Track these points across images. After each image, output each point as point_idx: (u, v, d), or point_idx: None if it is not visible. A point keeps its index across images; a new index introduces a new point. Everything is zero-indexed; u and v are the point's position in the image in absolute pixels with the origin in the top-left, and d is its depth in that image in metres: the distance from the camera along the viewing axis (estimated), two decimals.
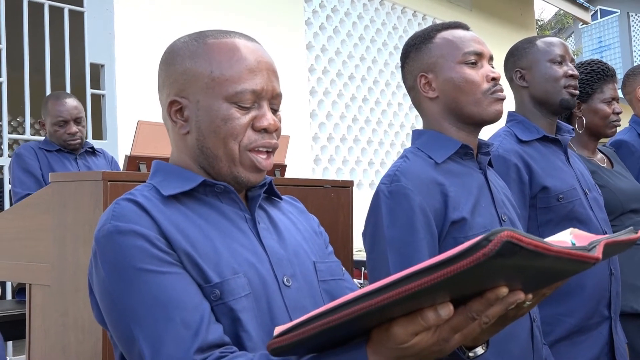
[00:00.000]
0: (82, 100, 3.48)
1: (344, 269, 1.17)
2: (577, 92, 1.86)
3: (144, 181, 1.09)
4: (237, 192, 1.05)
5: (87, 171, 3.10)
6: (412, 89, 1.49)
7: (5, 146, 3.85)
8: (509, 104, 1.58)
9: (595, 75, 2.19)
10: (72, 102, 3.11)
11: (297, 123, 4.91)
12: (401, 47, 1.80)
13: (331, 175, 5.29)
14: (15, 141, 7.97)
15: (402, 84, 4.50)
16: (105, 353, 1.69)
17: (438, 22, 3.06)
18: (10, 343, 3.49)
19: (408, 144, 5.64)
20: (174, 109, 1.05)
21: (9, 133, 4.52)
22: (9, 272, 2.13)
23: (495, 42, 5.43)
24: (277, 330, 0.78)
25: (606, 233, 1.78)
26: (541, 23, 16.81)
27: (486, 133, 1.57)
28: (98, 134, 3.99)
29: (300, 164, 4.75)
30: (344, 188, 2.44)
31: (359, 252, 2.84)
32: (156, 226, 0.95)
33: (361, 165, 5.63)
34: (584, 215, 1.74)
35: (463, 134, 1.43)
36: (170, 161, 1.10)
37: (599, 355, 1.71)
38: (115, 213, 0.96)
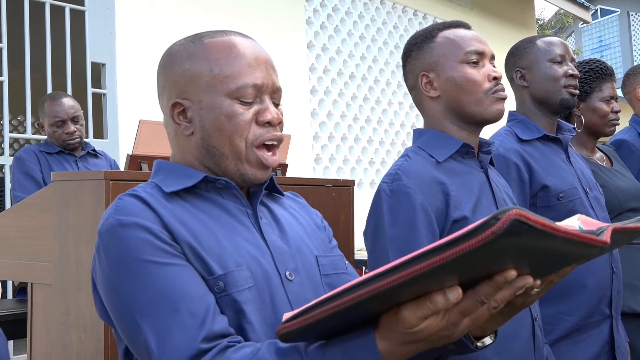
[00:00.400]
0: (83, 99, 3.48)
1: (347, 262, 1.17)
2: (577, 91, 1.86)
3: (146, 180, 1.09)
4: (239, 188, 1.05)
5: (88, 170, 3.10)
6: (413, 88, 1.49)
7: (6, 145, 3.85)
8: (510, 104, 1.58)
9: (593, 74, 2.19)
10: (68, 101, 3.09)
11: (298, 122, 4.91)
12: (402, 46, 1.80)
13: (332, 175, 5.29)
14: (16, 140, 7.97)
15: (402, 83, 4.51)
16: (106, 352, 1.69)
17: (438, 21, 3.06)
18: (11, 342, 3.49)
19: (409, 143, 5.64)
20: (177, 111, 1.05)
21: (9, 132, 4.52)
22: (11, 271, 2.13)
23: (495, 41, 5.42)
24: (286, 316, 0.78)
25: None
26: (541, 22, 16.79)
27: (487, 132, 1.57)
28: (99, 133, 3.99)
29: (301, 163, 4.75)
30: (345, 187, 2.44)
31: (360, 251, 2.84)
32: (159, 219, 0.95)
33: (362, 164, 5.63)
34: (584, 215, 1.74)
35: (464, 133, 1.44)
36: (171, 160, 1.10)
37: (599, 354, 1.71)
38: (118, 207, 0.96)
